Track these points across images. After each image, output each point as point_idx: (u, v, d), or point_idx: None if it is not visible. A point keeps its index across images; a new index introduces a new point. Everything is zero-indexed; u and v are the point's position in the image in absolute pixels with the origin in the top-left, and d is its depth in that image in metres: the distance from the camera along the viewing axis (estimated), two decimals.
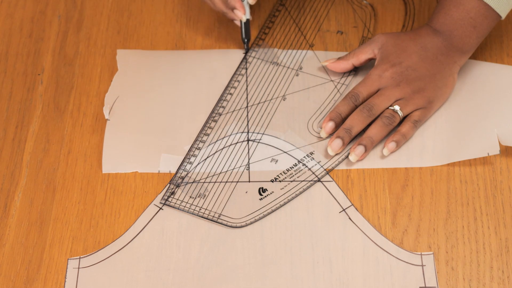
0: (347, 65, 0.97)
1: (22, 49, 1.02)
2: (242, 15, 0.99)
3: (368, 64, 0.98)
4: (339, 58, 0.98)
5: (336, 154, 0.92)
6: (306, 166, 0.91)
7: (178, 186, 0.89)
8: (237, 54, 1.01)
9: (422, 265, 0.84)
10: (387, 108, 0.92)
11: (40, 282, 0.84)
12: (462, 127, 0.93)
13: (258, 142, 0.93)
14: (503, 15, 0.93)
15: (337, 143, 0.91)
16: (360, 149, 0.90)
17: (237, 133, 0.94)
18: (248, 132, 0.94)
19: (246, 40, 1.01)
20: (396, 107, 0.91)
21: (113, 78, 0.98)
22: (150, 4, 1.06)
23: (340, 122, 0.92)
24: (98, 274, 0.84)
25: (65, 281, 0.84)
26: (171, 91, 0.98)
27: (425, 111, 0.93)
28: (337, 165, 0.91)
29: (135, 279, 0.84)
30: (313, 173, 0.91)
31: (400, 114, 0.92)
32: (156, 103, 0.97)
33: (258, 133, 0.94)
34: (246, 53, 1.01)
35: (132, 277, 0.84)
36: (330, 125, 0.92)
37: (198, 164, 0.91)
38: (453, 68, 0.94)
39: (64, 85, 0.99)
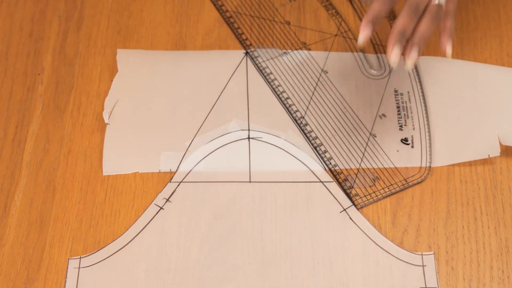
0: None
1: (22, 49, 1.02)
2: None
3: None
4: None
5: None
6: (307, 166, 0.91)
7: None
8: (237, 54, 1.01)
9: (423, 266, 0.84)
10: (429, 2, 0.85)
11: (40, 282, 0.84)
12: (463, 129, 0.93)
13: (259, 140, 0.93)
14: None
15: (397, 50, 0.82)
16: (415, 52, 0.83)
17: (237, 130, 0.94)
18: (248, 130, 0.94)
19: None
20: (441, 0, 0.85)
21: (113, 80, 0.98)
22: (150, 4, 1.06)
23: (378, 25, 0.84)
24: (98, 274, 0.84)
25: (65, 280, 0.84)
26: (171, 91, 0.98)
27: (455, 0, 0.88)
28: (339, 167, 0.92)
29: (135, 279, 0.84)
30: (314, 173, 0.91)
31: (444, 6, 0.85)
32: (156, 103, 0.97)
33: (258, 131, 0.94)
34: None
35: (132, 277, 0.84)
36: (368, 32, 0.82)
37: (199, 162, 0.91)
38: None
39: (64, 85, 0.99)
